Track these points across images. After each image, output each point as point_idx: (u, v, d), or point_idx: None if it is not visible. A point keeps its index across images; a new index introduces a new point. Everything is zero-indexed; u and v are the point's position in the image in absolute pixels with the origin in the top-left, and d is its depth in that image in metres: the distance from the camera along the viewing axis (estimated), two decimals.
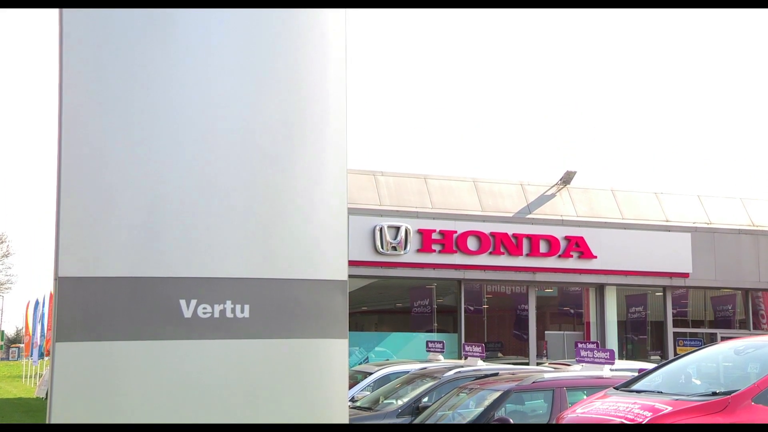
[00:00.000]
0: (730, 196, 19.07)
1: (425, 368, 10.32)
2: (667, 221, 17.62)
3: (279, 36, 3.29)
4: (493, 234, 16.12)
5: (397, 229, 15.49)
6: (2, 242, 44.44)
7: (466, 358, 11.11)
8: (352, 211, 14.72)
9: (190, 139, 3.07)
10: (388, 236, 15.42)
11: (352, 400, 9.88)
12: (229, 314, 3.01)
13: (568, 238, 16.50)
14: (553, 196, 17.45)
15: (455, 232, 15.88)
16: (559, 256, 16.43)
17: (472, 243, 16.03)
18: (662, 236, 17.22)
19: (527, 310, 17.02)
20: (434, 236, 15.78)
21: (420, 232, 15.69)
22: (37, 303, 23.24)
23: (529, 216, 16.74)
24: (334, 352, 3.23)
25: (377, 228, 15.37)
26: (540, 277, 16.62)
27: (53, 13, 3.21)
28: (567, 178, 17.55)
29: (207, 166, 3.09)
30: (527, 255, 16.29)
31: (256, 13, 3.26)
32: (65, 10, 3.05)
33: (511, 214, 16.66)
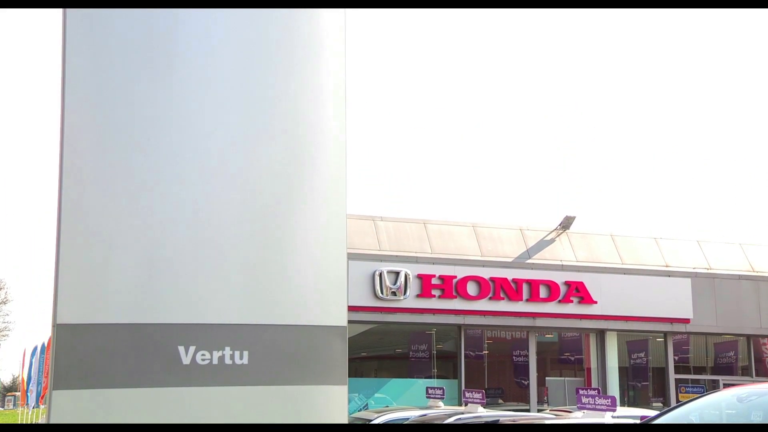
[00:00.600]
0: (730, 242, 19.07)
1: (425, 415, 10.22)
2: (666, 266, 17.59)
3: (279, 85, 3.32)
4: (492, 279, 16.08)
5: (397, 274, 15.45)
6: (0, 288, 44.24)
7: (466, 405, 11.00)
8: (351, 256, 14.71)
9: (190, 187, 3.08)
10: (388, 281, 15.38)
11: None
12: (227, 361, 2.99)
13: (568, 284, 16.45)
14: (552, 241, 17.44)
15: (455, 277, 15.84)
16: (559, 301, 16.37)
17: (471, 288, 15.98)
18: (662, 281, 17.17)
19: (528, 356, 16.90)
20: (434, 281, 15.74)
21: (419, 277, 15.65)
22: (34, 350, 23.08)
23: (529, 261, 16.72)
24: (334, 399, 3.20)
25: (377, 273, 15.34)
26: (540, 322, 16.54)
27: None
28: (566, 224, 17.56)
29: (205, 212, 3.10)
30: (527, 300, 16.23)
31: (257, 62, 3.29)
32: (66, 99, 3.07)
33: (510, 259, 16.63)
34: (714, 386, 16.85)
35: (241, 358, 3.02)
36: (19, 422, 26.41)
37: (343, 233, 3.40)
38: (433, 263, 15.94)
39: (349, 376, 3.29)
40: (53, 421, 2.77)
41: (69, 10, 3.12)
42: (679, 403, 6.74)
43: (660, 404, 16.77)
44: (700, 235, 19.64)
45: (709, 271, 17.84)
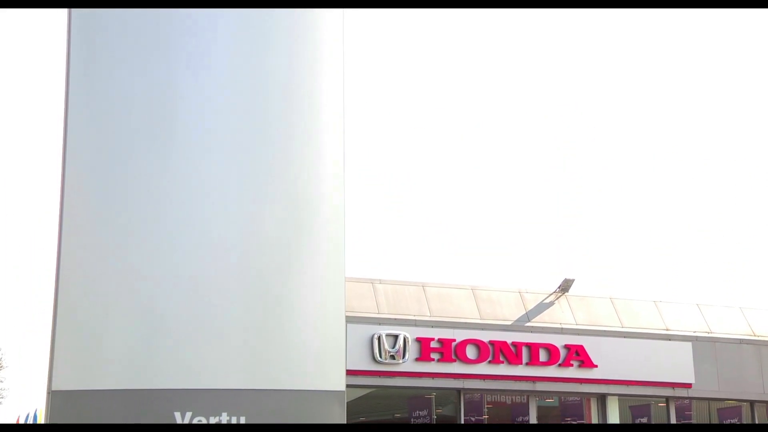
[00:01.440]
0: (729, 305, 18.98)
1: None
2: (667, 330, 17.48)
3: (278, 153, 3.35)
4: (492, 342, 15.96)
5: (396, 337, 15.34)
6: None
7: None
8: (350, 320, 14.61)
9: (188, 253, 3.08)
10: (387, 345, 15.26)
11: None
12: None
13: (567, 347, 16.33)
14: (551, 304, 17.37)
15: (454, 340, 15.73)
16: (559, 365, 16.22)
17: (471, 352, 15.85)
18: (663, 345, 17.05)
19: (528, 421, 16.67)
20: (433, 345, 15.62)
21: (418, 340, 15.53)
22: (27, 417, 22.76)
23: (528, 324, 16.62)
24: None
25: (375, 336, 15.23)
26: (540, 386, 16.35)
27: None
28: (565, 286, 17.51)
29: (204, 278, 3.09)
30: (527, 364, 16.08)
31: (257, 131, 3.32)
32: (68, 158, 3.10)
33: (509, 322, 16.54)
34: None
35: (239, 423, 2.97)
36: None
37: (342, 297, 3.39)
38: (432, 326, 15.83)
39: None
40: None
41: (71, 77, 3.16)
42: None
43: None
44: (700, 298, 19.58)
45: (710, 335, 17.71)
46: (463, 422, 16.33)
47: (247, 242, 3.32)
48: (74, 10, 3.18)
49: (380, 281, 16.88)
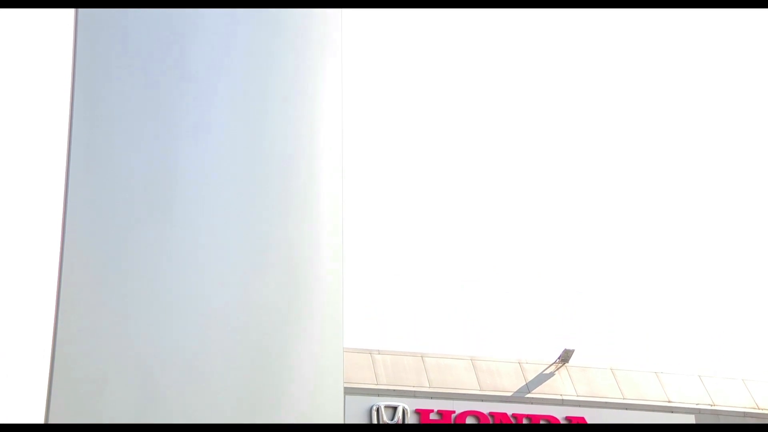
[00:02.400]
0: (731, 377, 18.80)
1: None
2: (669, 402, 17.26)
3: (275, 218, 3.36)
4: (492, 414, 15.75)
5: (395, 409, 15.15)
6: None
7: None
8: (348, 391, 14.46)
9: (182, 322, 3.06)
10: (386, 417, 15.06)
11: None
12: None
13: (569, 419, 16.10)
14: (552, 374, 17.20)
15: (453, 412, 15.53)
16: None
17: (471, 423, 15.64)
18: (665, 417, 16.81)
19: None
20: (432, 416, 15.41)
21: (418, 412, 15.33)
22: None
23: (528, 395, 16.42)
24: None
25: (374, 408, 15.04)
26: None
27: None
28: (565, 357, 17.37)
29: (199, 346, 3.07)
30: None
31: (252, 193, 3.34)
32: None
33: (509, 393, 16.34)
34: None
35: None
36: None
37: (341, 368, 3.36)
38: (432, 397, 15.65)
39: None
40: None
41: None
42: None
43: None
44: (702, 369, 19.39)
45: (713, 408, 17.48)
46: None
47: (244, 311, 3.29)
48: (77, 78, 3.23)
49: (379, 351, 16.75)
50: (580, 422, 16.09)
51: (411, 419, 15.20)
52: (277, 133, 3.58)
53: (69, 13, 3.43)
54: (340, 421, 3.42)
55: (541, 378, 17.07)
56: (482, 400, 15.88)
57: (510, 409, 15.82)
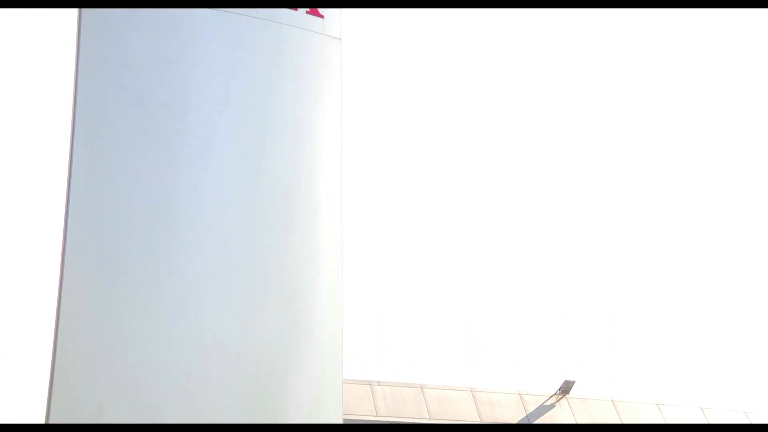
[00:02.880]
0: (734, 409, 18.68)
1: None
2: None
3: (274, 256, 3.38)
4: None
5: None
6: None
7: None
8: (348, 422, 14.35)
9: (181, 357, 3.07)
10: None
11: None
12: None
13: None
14: (552, 406, 17.09)
15: None
16: None
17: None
18: None
19: None
20: None
21: None
22: None
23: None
24: None
25: None
26: None
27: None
28: (566, 388, 17.26)
29: (199, 376, 3.06)
30: None
31: (255, 225, 3.35)
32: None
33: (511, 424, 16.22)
34: None
35: None
36: None
37: (340, 399, 3.36)
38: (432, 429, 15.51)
39: None
40: None
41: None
42: None
43: None
44: (703, 401, 19.27)
45: None
46: None
47: (243, 345, 3.31)
48: (77, 122, 3.25)
49: (378, 383, 16.64)
50: None
51: None
52: (277, 162, 3.59)
53: (71, 43, 3.47)
54: None
55: (542, 410, 16.95)
56: None
57: None
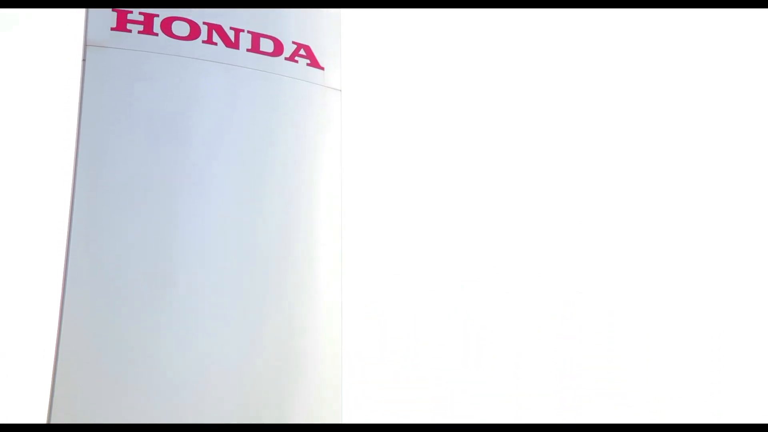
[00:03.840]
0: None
1: None
2: None
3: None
4: None
5: None
6: None
7: None
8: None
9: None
10: None
11: None
12: None
13: None
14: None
15: None
16: None
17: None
18: None
19: None
20: None
21: None
22: None
23: None
24: None
25: None
26: None
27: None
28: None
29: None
30: None
31: (253, 260, 3.37)
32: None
33: None
34: None
35: None
36: None
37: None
38: None
39: None
40: None
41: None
42: None
43: None
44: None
45: None
46: None
47: (239, 392, 3.33)
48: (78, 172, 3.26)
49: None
50: None
51: None
52: (276, 214, 3.59)
53: (76, 74, 3.47)
54: None
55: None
56: None
57: None
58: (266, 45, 3.63)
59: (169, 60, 3.50)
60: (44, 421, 3.00)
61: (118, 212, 3.25)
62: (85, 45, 3.45)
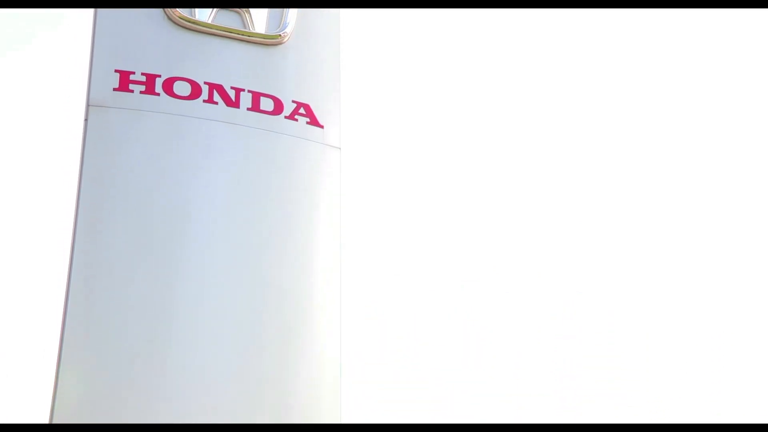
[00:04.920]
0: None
1: None
2: None
3: (273, 350, 3.45)
4: None
5: None
6: None
7: None
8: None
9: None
10: None
11: None
12: None
13: None
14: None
15: None
16: None
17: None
18: None
19: None
20: None
21: None
22: None
23: None
24: None
25: None
26: None
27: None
28: None
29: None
30: None
31: (251, 327, 3.42)
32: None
33: None
34: None
35: None
36: None
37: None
38: None
39: None
40: None
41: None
42: None
43: None
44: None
45: None
46: None
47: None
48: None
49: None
50: None
51: None
52: (275, 270, 3.63)
53: (77, 151, 3.51)
54: None
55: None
56: None
57: None
58: (266, 104, 3.68)
59: (170, 119, 3.54)
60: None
61: (117, 273, 3.29)
62: (88, 105, 3.50)
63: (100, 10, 3.51)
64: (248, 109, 3.59)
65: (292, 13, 3.76)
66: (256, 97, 3.63)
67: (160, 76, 3.53)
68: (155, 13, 3.57)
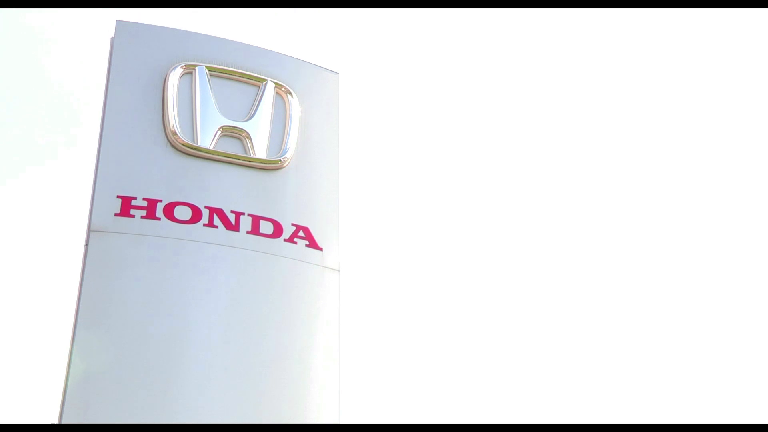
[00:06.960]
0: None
1: None
2: None
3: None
4: None
5: None
6: None
7: None
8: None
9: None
10: None
11: None
12: None
13: None
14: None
15: None
16: None
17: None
18: None
19: None
20: None
21: None
22: None
23: None
24: None
25: None
26: None
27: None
28: None
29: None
30: None
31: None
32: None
33: None
34: None
35: None
36: None
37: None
38: None
39: None
40: None
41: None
42: None
43: None
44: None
45: None
46: None
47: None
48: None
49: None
50: None
51: None
52: (273, 393, 3.66)
53: (76, 275, 3.55)
54: None
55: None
56: None
57: None
58: (266, 227, 3.71)
59: (170, 243, 3.58)
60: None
61: (112, 401, 3.34)
62: (89, 230, 3.54)
63: (105, 135, 3.54)
64: (248, 232, 3.62)
65: (293, 139, 3.79)
66: (256, 220, 3.66)
67: (161, 201, 3.56)
68: (159, 139, 3.60)
